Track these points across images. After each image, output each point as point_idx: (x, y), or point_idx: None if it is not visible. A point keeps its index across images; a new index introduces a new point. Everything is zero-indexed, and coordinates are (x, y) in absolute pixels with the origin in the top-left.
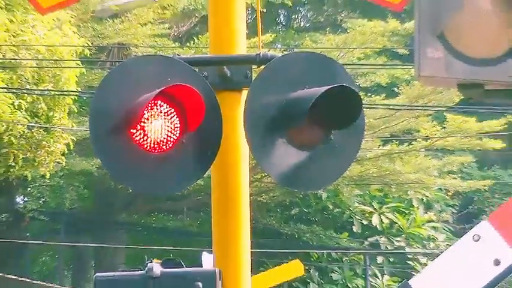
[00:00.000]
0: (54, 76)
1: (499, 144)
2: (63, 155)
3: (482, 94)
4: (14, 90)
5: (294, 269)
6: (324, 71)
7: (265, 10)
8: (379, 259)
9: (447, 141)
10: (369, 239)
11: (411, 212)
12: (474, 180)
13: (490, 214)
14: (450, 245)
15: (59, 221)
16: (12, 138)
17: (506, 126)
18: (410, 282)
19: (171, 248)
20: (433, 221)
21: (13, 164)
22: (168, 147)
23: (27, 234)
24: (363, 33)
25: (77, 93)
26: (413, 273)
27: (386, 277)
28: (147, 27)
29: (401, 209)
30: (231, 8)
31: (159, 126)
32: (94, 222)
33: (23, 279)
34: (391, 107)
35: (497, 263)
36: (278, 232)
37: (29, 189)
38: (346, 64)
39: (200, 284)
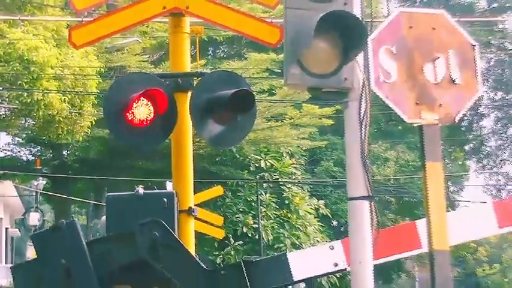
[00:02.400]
0: (84, 84)
1: (331, 121)
2: (89, 128)
3: (322, 94)
4: (61, 91)
5: (217, 191)
6: (234, 81)
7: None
8: (265, 185)
9: (302, 120)
10: (259, 174)
11: (282, 159)
12: (317, 142)
13: (343, 239)
14: (304, 177)
15: (86, 165)
16: (60, 118)
17: (335, 111)
18: (287, 254)
19: (150, 179)
20: (294, 164)
21: (60, 133)
22: (146, 123)
23: (69, 172)
24: (256, 60)
25: (97, 93)
26: (283, 193)
27: (268, 195)
28: (136, 56)
29: (277, 157)
30: (182, 45)
31: (142, 111)
32: (107, 166)
33: (68, 197)
34: (271, 101)
35: (336, 265)
36: (209, 171)
37: (69, 147)
38: (246, 77)
39: (165, 199)
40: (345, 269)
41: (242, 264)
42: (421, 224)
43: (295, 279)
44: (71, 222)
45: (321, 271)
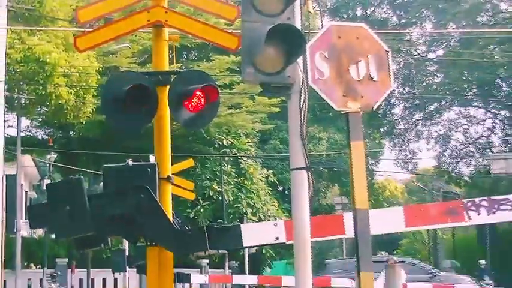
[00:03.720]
0: (86, 80)
1: (277, 109)
2: (90, 113)
3: (270, 88)
4: (68, 86)
5: (189, 163)
6: (203, 78)
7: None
8: (226, 158)
9: (255, 108)
10: (222, 150)
11: (240, 138)
12: (267, 125)
13: (286, 220)
14: (257, 152)
15: (88, 143)
16: (67, 106)
17: (281, 101)
18: (241, 225)
19: (137, 154)
20: (249, 142)
21: (68, 117)
22: (135, 110)
23: (75, 148)
24: (220, 62)
25: (96, 87)
26: (240, 164)
27: (229, 166)
28: (127, 59)
29: (236, 137)
30: (162, 50)
31: (131, 100)
32: (104, 143)
33: (74, 167)
34: (231, 93)
35: (277, 238)
36: (183, 147)
37: (75, 129)
38: (212, 75)
39: (149, 169)
40: (284, 243)
41: (205, 228)
42: (346, 216)
43: (245, 245)
44: (78, 178)
45: (265, 242)
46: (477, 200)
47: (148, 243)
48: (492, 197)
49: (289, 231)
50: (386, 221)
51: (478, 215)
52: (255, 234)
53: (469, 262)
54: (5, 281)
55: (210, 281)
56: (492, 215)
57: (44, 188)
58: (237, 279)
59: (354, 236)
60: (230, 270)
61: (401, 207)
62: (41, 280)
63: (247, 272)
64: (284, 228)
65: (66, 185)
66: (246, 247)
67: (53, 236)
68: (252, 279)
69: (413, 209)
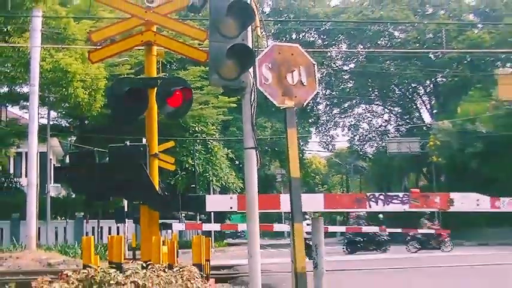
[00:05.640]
0: (96, 84)
1: (235, 105)
2: (100, 107)
3: (230, 90)
4: (84, 88)
5: (171, 144)
6: (181, 82)
7: (164, 62)
8: (198, 141)
9: (219, 104)
10: (194, 134)
11: (208, 126)
12: (227, 116)
13: (239, 195)
14: (220, 136)
15: (98, 129)
16: (83, 103)
17: (237, 99)
18: (206, 196)
19: (133, 137)
20: (214, 129)
21: (84, 111)
22: (132, 105)
23: (88, 133)
24: (194, 71)
25: (104, 89)
26: (208, 145)
27: (199, 146)
28: (126, 69)
29: (205, 125)
30: (152, 62)
31: (129, 98)
32: (109, 129)
33: (87, 147)
34: (201, 93)
35: (231, 208)
36: (166, 132)
37: (88, 119)
38: (187, 80)
39: (141, 148)
40: (235, 211)
41: (179, 195)
42: (282, 197)
43: (207, 210)
44: (91, 150)
45: (222, 209)
46: (377, 194)
47: (141, 202)
48: (387, 193)
49: (240, 203)
50: (311, 202)
51: (376, 205)
52: (215, 203)
53: (372, 217)
54: (39, 228)
55: (186, 227)
56: (386, 206)
57: (67, 161)
58: (206, 226)
59: (289, 196)
60: (200, 221)
61: (323, 194)
62: (64, 228)
63: (213, 222)
64: (237, 201)
65: (82, 154)
66: (208, 212)
67: (71, 190)
68: (217, 226)
69: (331, 197)
